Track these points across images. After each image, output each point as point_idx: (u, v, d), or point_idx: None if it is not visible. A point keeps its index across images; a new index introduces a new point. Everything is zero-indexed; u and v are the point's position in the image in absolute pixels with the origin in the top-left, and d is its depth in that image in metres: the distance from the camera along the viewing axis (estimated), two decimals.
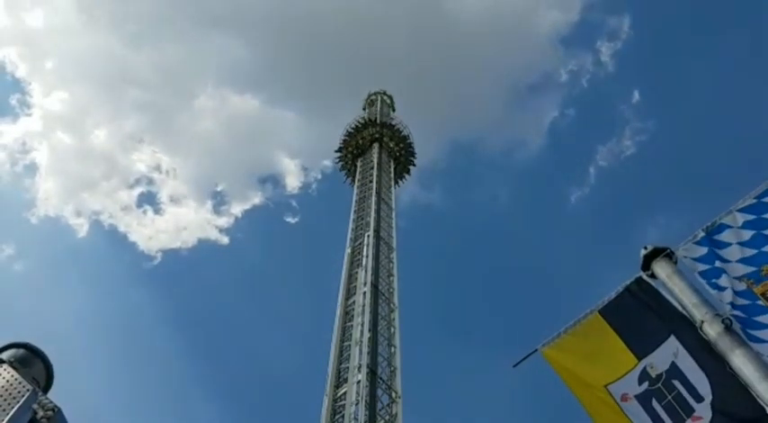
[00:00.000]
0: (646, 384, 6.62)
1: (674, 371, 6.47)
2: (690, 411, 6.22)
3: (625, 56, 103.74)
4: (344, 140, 57.75)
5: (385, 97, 64.35)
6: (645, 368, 6.69)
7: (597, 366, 7.02)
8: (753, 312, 6.07)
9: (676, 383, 6.40)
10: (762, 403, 5.57)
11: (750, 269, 6.36)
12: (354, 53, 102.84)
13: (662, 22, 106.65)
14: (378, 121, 58.03)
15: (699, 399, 6.21)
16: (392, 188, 52.63)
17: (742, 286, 6.31)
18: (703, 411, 6.14)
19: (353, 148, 56.98)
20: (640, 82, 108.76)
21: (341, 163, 57.99)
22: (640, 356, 6.78)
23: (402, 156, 57.13)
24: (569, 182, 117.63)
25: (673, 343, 6.56)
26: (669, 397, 6.39)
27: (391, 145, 56.71)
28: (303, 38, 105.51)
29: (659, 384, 6.52)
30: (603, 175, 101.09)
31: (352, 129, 57.78)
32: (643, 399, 6.57)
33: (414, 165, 58.53)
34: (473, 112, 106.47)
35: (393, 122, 58.87)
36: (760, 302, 6.13)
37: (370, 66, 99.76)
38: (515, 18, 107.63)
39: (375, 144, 56.11)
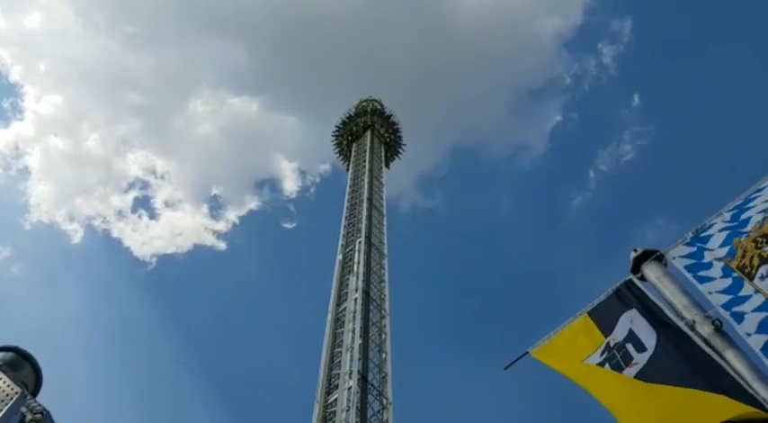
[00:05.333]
0: (605, 354, 6.89)
1: (629, 336, 6.77)
2: (629, 360, 6.53)
3: (626, 59, 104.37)
4: (339, 128, 63.86)
5: (376, 103, 66.25)
6: (608, 342, 6.95)
7: (578, 355, 7.22)
8: (735, 289, 6.17)
9: (629, 346, 6.71)
10: (761, 400, 5.58)
11: (726, 248, 6.54)
12: (354, 58, 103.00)
13: (663, 26, 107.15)
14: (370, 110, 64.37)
15: (642, 349, 6.52)
16: (383, 191, 53.30)
17: (721, 264, 6.45)
18: (642, 358, 6.44)
19: (348, 134, 62.88)
20: (641, 86, 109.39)
21: (337, 149, 63.69)
22: (607, 335, 7.04)
23: (392, 140, 63.59)
24: (570, 187, 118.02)
25: (631, 313, 6.89)
26: (618, 357, 6.70)
27: (382, 131, 62.78)
28: (302, 42, 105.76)
29: (614, 350, 6.81)
30: (603, 179, 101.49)
31: (347, 118, 63.80)
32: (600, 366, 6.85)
33: (402, 148, 64.52)
34: (475, 118, 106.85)
35: (384, 111, 64.99)
36: (735, 275, 6.25)
37: (371, 71, 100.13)
38: (517, 22, 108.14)
39: (368, 131, 61.54)
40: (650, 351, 6.50)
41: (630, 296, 7.07)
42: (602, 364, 6.89)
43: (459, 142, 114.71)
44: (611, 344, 6.93)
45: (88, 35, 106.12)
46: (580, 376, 7.11)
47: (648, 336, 6.60)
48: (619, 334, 6.94)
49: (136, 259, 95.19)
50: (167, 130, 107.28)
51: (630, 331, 6.83)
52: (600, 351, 7.02)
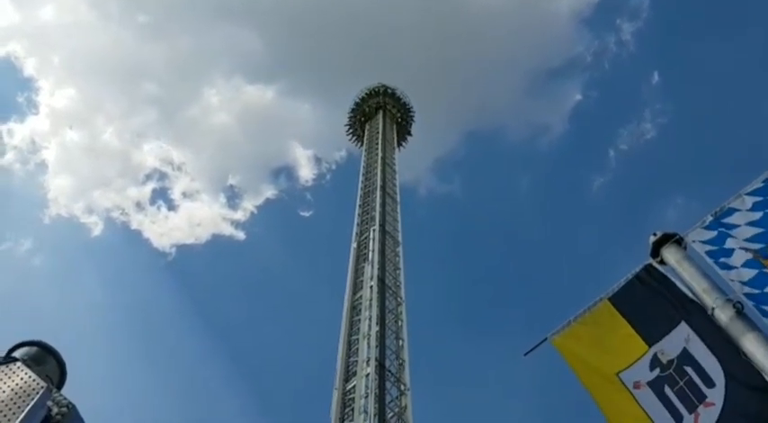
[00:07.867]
0: (657, 371, 6.58)
1: (685, 357, 6.43)
2: (702, 397, 6.16)
3: (646, 35, 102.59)
4: (352, 110, 65.96)
5: (387, 89, 66.82)
6: (656, 354, 6.66)
7: (608, 354, 7.00)
8: (761, 284, 6.04)
9: (688, 369, 6.35)
10: None
11: (758, 246, 6.33)
12: (367, 41, 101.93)
13: (682, 0, 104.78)
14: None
15: (710, 384, 6.15)
16: (396, 178, 53.42)
17: (749, 256, 6.29)
18: (716, 397, 6.07)
19: (361, 115, 65.07)
20: (660, 62, 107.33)
21: (350, 130, 65.78)
22: (651, 343, 6.74)
23: (403, 118, 66.00)
24: (591, 167, 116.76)
25: (684, 329, 6.52)
26: (681, 383, 6.34)
27: (393, 111, 65.04)
28: (315, 27, 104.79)
29: (671, 370, 6.48)
30: (624, 158, 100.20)
31: (359, 100, 65.84)
32: (655, 386, 6.52)
33: (412, 111, 66.78)
34: (492, 100, 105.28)
35: (395, 92, 67.05)
36: (766, 270, 6.10)
37: (384, 54, 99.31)
38: (534, 1, 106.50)
39: (380, 112, 63.54)
40: (719, 386, 6.08)
41: (653, 282, 6.97)
42: (656, 384, 6.51)
43: (476, 125, 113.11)
44: (663, 359, 6.61)
45: (101, 26, 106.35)
46: (608, 393, 6.77)
47: (712, 366, 6.20)
48: (669, 348, 6.62)
49: (155, 250, 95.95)
50: (183, 119, 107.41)
51: (686, 351, 6.47)
52: (646, 363, 6.70)
